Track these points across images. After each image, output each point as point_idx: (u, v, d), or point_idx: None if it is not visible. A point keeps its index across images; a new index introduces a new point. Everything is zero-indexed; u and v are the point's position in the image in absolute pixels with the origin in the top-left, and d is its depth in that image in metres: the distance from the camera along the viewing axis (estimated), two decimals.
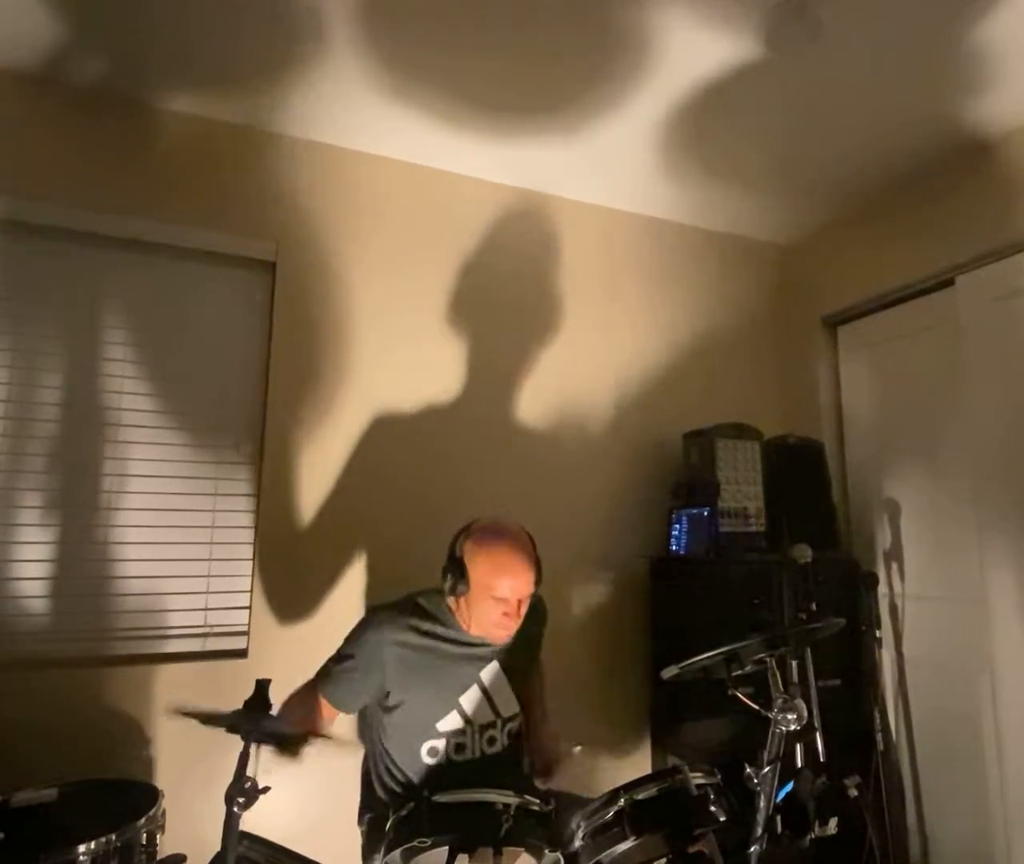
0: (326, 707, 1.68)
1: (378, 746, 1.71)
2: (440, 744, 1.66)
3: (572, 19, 1.81)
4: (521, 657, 1.80)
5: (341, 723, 1.76)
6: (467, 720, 1.68)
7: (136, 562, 2.06)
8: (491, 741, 1.71)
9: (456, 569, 1.66)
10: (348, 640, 1.72)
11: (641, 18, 1.80)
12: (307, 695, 1.69)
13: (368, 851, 1.69)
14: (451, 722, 1.67)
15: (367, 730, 1.78)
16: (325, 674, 1.70)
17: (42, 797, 1.56)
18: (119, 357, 2.12)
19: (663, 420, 2.73)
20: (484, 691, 1.71)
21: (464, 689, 1.69)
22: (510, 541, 1.67)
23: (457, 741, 1.67)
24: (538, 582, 1.70)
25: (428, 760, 1.65)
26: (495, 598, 1.63)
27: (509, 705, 1.74)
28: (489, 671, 1.73)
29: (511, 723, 1.75)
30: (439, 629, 1.71)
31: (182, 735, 1.89)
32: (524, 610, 1.67)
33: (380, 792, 1.70)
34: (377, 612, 1.75)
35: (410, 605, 1.74)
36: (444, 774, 1.63)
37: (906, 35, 1.84)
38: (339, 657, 1.70)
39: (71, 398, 2.06)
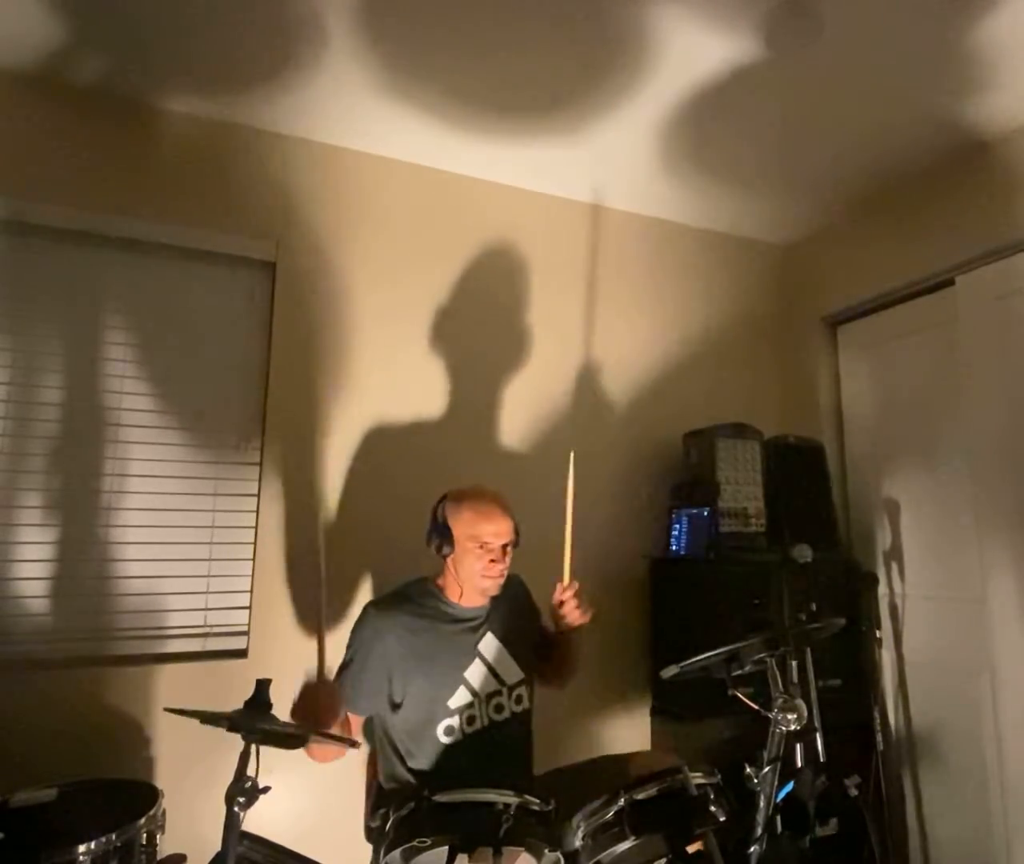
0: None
1: (387, 743, 1.72)
2: (455, 721, 1.69)
3: (572, 19, 1.81)
4: (516, 624, 1.86)
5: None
6: (474, 693, 1.73)
7: (136, 562, 2.06)
8: (498, 708, 1.75)
9: (440, 530, 1.76)
10: (349, 644, 1.75)
11: (642, 18, 1.80)
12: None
13: (378, 848, 1.70)
14: (460, 697, 1.71)
15: (373, 730, 1.79)
16: (342, 681, 1.72)
17: (42, 797, 1.56)
18: (119, 357, 2.12)
19: (663, 420, 2.72)
20: (485, 662, 1.77)
21: (467, 664, 1.74)
22: (487, 493, 1.80)
23: (468, 714, 1.71)
24: (517, 535, 1.80)
25: (446, 739, 1.68)
26: (480, 546, 1.72)
27: (512, 673, 1.80)
28: (487, 643, 1.79)
29: (517, 689, 1.80)
30: (432, 610, 1.77)
31: (182, 735, 1.89)
32: (508, 559, 1.77)
33: (390, 788, 1.71)
34: (371, 608, 1.78)
35: (402, 594, 1.80)
36: (461, 749, 1.67)
37: (906, 35, 1.84)
38: (344, 664, 1.73)
39: (71, 398, 2.06)
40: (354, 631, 1.75)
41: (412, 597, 1.79)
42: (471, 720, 1.71)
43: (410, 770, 1.68)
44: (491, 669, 1.77)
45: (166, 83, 2.11)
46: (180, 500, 2.13)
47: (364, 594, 2.23)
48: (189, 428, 2.16)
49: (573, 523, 1.77)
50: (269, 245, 2.28)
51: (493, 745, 1.71)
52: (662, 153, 2.41)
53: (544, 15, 1.80)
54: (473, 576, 1.74)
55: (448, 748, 1.68)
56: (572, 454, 1.76)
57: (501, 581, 1.77)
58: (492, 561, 1.73)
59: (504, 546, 1.76)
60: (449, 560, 1.77)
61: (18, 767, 1.68)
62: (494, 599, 1.83)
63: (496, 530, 1.74)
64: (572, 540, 1.78)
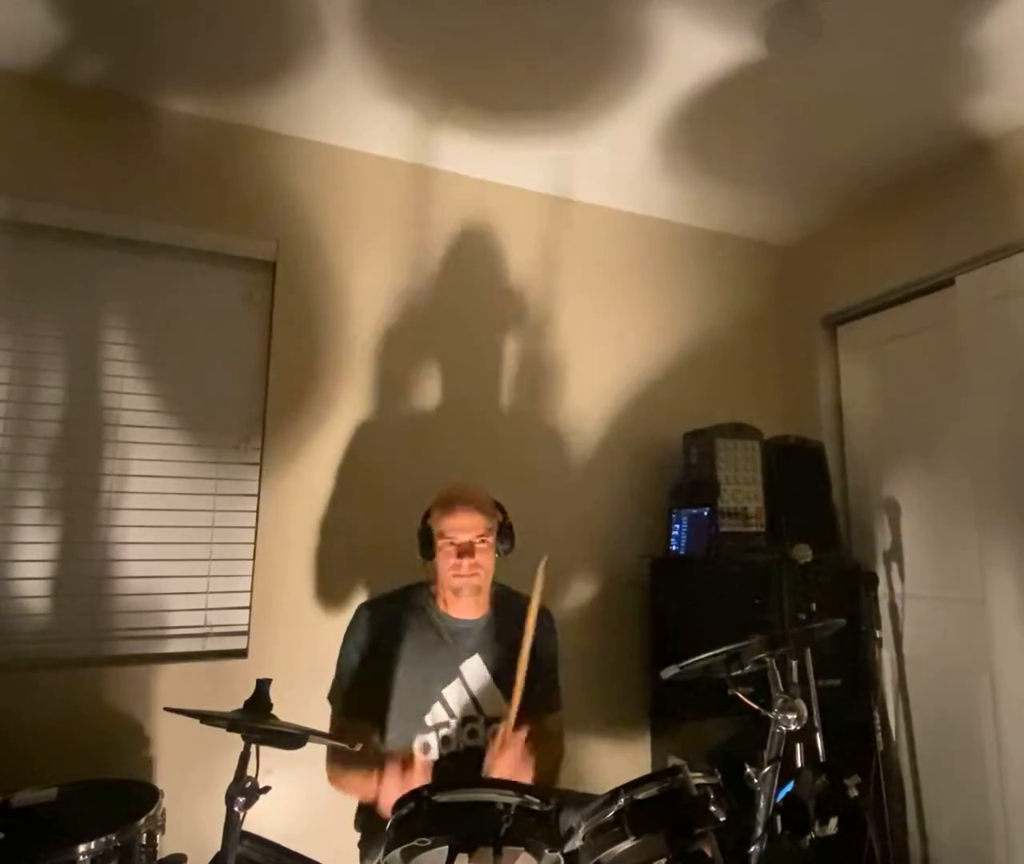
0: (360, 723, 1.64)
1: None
2: (431, 739, 1.66)
3: (572, 20, 1.81)
4: (511, 661, 1.66)
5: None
6: (450, 713, 1.68)
7: (136, 562, 2.06)
8: (472, 734, 1.68)
9: (422, 534, 1.75)
10: (345, 646, 1.73)
11: (642, 18, 1.80)
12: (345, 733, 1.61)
13: (364, 852, 1.69)
14: (436, 715, 1.67)
15: None
16: (342, 696, 1.68)
17: (42, 797, 1.57)
18: (119, 357, 2.12)
19: (663, 420, 2.72)
20: (465, 685, 1.71)
21: (447, 681, 1.70)
22: (459, 491, 1.75)
23: (444, 734, 1.67)
24: (511, 537, 1.77)
25: (422, 758, 1.60)
26: (447, 543, 1.68)
27: (494, 705, 1.70)
28: (471, 665, 1.73)
29: (496, 723, 1.64)
30: (423, 617, 1.74)
31: (182, 735, 1.89)
32: (482, 558, 1.68)
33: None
34: (363, 609, 1.77)
35: (394, 596, 1.79)
36: (438, 769, 1.60)
37: (906, 35, 1.84)
38: (344, 669, 1.70)
39: (71, 398, 2.06)
40: (349, 634, 1.73)
41: (404, 600, 1.77)
42: (446, 741, 1.66)
43: None
44: (469, 692, 1.70)
45: (166, 83, 2.11)
46: (180, 500, 2.13)
47: (364, 594, 2.23)
48: (189, 428, 2.16)
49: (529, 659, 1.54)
50: (269, 245, 2.28)
51: (469, 770, 1.61)
52: (662, 153, 2.41)
53: (544, 16, 1.80)
54: (445, 576, 1.69)
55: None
56: (544, 561, 1.57)
57: (472, 581, 1.67)
58: (459, 555, 1.66)
59: (471, 542, 1.67)
60: (432, 565, 1.73)
61: (18, 767, 1.68)
62: (498, 622, 1.75)
63: (457, 524, 1.67)
64: (523, 679, 1.54)
